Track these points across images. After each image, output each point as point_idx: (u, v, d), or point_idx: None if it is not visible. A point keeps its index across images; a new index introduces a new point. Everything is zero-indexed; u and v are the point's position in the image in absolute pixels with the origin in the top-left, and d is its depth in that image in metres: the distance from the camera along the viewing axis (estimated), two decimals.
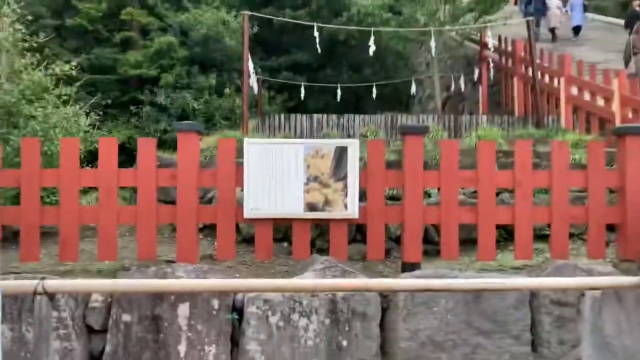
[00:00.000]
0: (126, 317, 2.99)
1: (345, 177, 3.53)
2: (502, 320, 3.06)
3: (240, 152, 3.52)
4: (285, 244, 4.32)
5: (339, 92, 11.87)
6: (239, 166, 3.54)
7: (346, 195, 3.53)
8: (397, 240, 4.17)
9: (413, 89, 12.02)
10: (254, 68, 10.92)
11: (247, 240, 4.44)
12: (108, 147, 3.54)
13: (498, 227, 3.68)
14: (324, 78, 14.09)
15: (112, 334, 2.98)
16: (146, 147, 3.54)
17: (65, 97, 6.65)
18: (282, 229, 4.35)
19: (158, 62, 12.44)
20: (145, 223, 3.50)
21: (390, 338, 3.06)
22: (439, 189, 4.98)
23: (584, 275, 3.14)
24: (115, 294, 2.80)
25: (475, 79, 10.16)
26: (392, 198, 4.59)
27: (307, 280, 2.38)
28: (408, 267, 3.56)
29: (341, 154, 3.54)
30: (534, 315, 3.11)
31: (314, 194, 3.52)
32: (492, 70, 9.74)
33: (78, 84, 7.14)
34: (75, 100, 7.42)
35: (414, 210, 3.55)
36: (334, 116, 8.06)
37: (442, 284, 2.37)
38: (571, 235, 4.18)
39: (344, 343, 3.00)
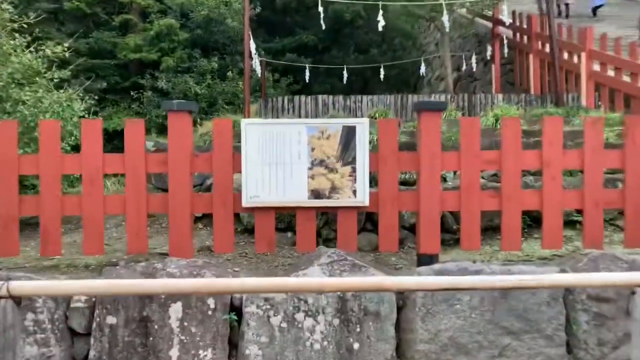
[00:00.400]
0: (111, 320, 2.68)
1: (353, 161, 3.18)
2: (533, 319, 2.72)
3: (239, 137, 3.17)
4: (289, 234, 3.99)
5: (345, 73, 11.46)
6: (237, 150, 3.20)
7: (355, 180, 3.18)
8: (412, 229, 3.83)
9: (422, 69, 11.58)
10: (256, 50, 10.55)
11: (249, 231, 4.11)
12: (92, 129, 3.21)
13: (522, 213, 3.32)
14: (329, 60, 13.68)
15: (96, 338, 2.67)
16: (134, 129, 3.20)
17: (56, 80, 6.30)
18: (286, 218, 4.01)
19: (158, 45, 12.02)
20: (135, 213, 3.18)
21: (407, 340, 2.73)
22: (454, 173, 4.65)
23: (625, 267, 2.78)
24: (98, 294, 2.49)
25: (488, 57, 9.69)
26: (404, 183, 4.24)
27: (311, 279, 2.05)
28: (424, 259, 3.22)
29: (349, 134, 3.18)
30: (569, 313, 2.77)
31: (320, 179, 3.17)
32: (505, 48, 9.26)
33: (72, 67, 6.77)
34: (72, 85, 7.09)
35: (431, 196, 3.19)
36: (340, 97, 7.65)
37: (472, 283, 2.03)
38: None
39: (355, 346, 2.67)
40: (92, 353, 2.66)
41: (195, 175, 5.12)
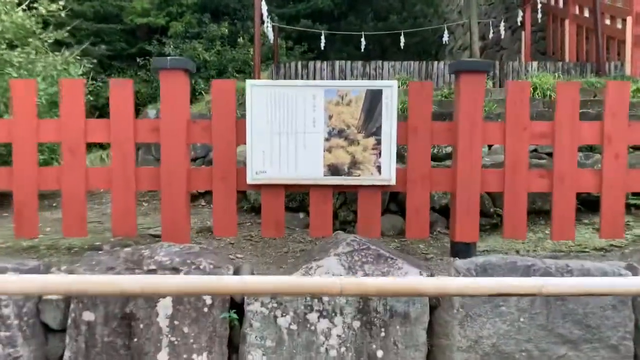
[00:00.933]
0: (89, 316, 2.26)
1: (378, 131, 2.69)
2: (595, 325, 2.25)
3: (244, 105, 2.69)
4: (302, 215, 3.53)
5: (363, 41, 10.80)
6: (241, 118, 2.74)
7: (379, 154, 2.70)
8: (442, 211, 3.35)
9: (445, 37, 10.87)
10: (269, 14, 9.97)
11: (256, 209, 3.67)
12: (72, 90, 2.75)
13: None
14: (346, 27, 13.03)
15: (71, 337, 2.26)
16: (121, 91, 2.73)
17: (51, 42, 5.83)
18: (298, 197, 3.56)
19: (166, 9, 11.48)
20: (121, 189, 2.74)
21: (442, 347, 2.28)
22: (489, 148, 4.13)
23: None
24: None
25: (519, 23, 8.99)
26: (432, 159, 3.74)
27: (328, 280, 1.60)
28: (460, 248, 2.75)
29: (373, 100, 2.69)
30: (638, 319, 2.30)
31: (338, 152, 2.70)
32: (539, 13, 8.56)
33: (73, 29, 6.27)
34: (74, 49, 6.61)
35: (470, 174, 2.70)
36: (359, 63, 7.06)
37: (532, 286, 1.57)
38: None
39: (379, 353, 2.23)
40: (66, 354, 2.26)
41: (198, 147, 4.70)
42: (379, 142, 2.70)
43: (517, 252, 2.88)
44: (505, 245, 3.01)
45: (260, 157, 2.71)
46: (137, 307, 2.26)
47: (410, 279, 2.01)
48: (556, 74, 6.39)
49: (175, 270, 2.33)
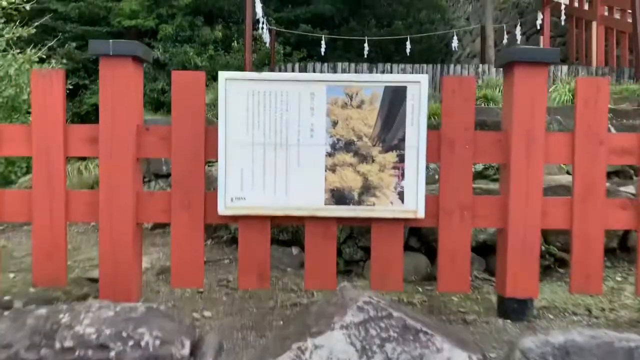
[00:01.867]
0: None
1: (401, 144, 1.96)
2: None
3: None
4: (295, 250, 2.78)
5: (366, 46, 10.16)
6: (213, 124, 2.02)
7: (402, 175, 1.96)
8: (480, 249, 2.60)
9: (455, 43, 10.27)
10: (265, 16, 9.34)
11: (236, 240, 2.92)
12: None
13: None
14: (348, 33, 12.40)
15: None
16: (46, 86, 2.00)
17: (10, 38, 5.13)
18: (291, 226, 2.81)
19: (156, 11, 10.82)
20: (45, 221, 1.99)
21: None
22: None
23: None
24: None
25: (538, 26, 8.33)
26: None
27: None
28: (512, 307, 2.01)
29: (395, 101, 1.96)
30: None
31: (345, 173, 1.96)
32: (563, 15, 7.88)
33: (32, 25, 5.56)
34: (57, 53, 5.94)
35: (527, 204, 1.97)
36: (365, 65, 6.37)
37: None
38: None
39: None
40: None
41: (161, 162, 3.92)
42: (401, 159, 1.97)
43: (589, 311, 2.14)
44: (568, 298, 2.26)
45: (238, 178, 1.97)
46: None
47: None
48: None
49: (102, 348, 1.58)
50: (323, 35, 10.48)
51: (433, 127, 2.07)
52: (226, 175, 1.97)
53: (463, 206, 2.00)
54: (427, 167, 2.05)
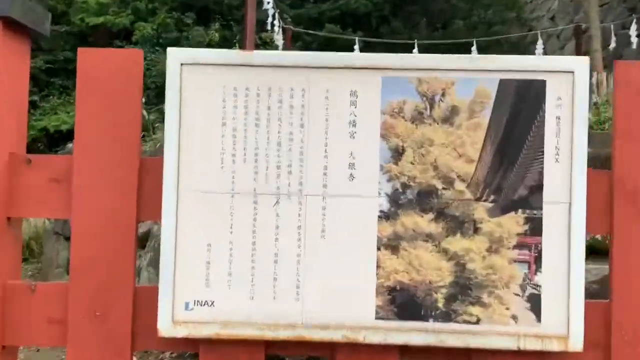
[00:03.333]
0: None
1: (534, 198, 1.26)
2: None
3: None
4: None
5: (415, 52, 9.82)
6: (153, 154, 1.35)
7: (536, 262, 1.26)
8: None
9: (539, 49, 10.05)
10: (277, 11, 9.10)
11: None
12: None
13: None
14: (390, 36, 12.13)
15: None
16: None
17: None
18: None
19: (131, 4, 10.61)
20: None
21: None
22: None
23: None
24: None
25: None
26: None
27: None
28: None
29: (519, 109, 1.28)
30: None
31: (417, 253, 1.30)
32: None
33: None
34: None
35: None
36: None
37: None
38: None
39: None
40: None
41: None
42: (535, 229, 1.26)
43: None
44: None
45: (201, 263, 1.28)
46: None
47: None
48: None
49: None
50: (357, 38, 10.24)
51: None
52: (177, 256, 1.27)
53: None
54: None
